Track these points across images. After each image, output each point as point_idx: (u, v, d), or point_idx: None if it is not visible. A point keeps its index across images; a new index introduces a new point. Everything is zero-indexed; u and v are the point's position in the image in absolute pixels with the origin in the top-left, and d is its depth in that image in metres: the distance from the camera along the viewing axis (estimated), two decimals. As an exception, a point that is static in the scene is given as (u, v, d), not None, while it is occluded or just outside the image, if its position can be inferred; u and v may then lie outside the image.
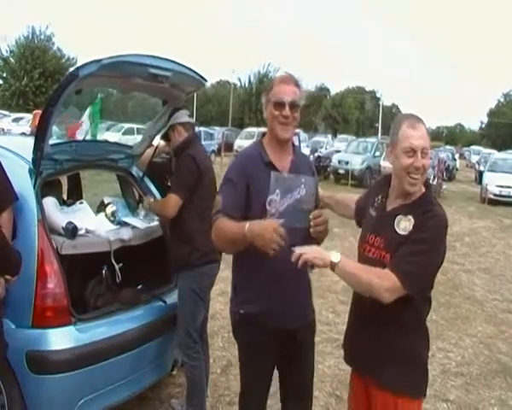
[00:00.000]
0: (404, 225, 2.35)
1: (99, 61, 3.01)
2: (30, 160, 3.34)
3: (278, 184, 2.55)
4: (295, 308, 2.77)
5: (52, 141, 3.55)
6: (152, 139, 4.30)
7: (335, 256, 2.30)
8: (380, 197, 2.55)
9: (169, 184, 4.40)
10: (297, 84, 2.73)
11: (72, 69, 3.18)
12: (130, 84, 3.59)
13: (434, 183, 20.42)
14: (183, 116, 3.93)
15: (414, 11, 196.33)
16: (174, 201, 3.71)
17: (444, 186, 21.79)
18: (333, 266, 2.30)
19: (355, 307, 2.62)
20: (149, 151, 4.44)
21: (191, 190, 3.73)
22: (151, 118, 3.97)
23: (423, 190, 2.43)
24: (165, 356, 3.95)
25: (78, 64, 3.30)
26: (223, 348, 5.40)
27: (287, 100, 2.65)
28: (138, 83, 3.54)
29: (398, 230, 2.36)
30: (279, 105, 2.66)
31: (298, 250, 2.32)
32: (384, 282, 2.25)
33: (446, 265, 9.69)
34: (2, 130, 29.89)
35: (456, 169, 32.69)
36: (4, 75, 47.50)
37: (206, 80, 3.83)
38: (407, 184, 2.36)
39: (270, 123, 2.74)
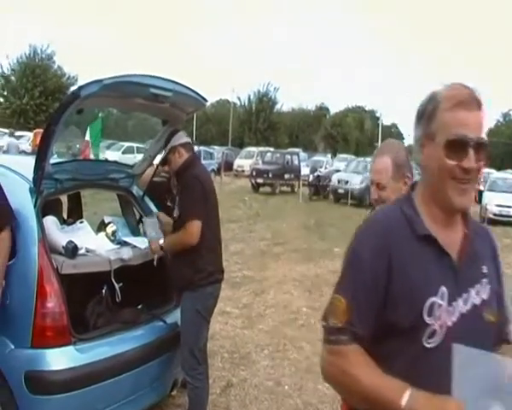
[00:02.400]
0: None
1: (101, 81, 3.03)
2: (31, 179, 3.34)
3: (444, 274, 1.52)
4: None
5: (53, 160, 3.56)
6: (153, 159, 4.32)
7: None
8: None
9: (169, 203, 4.40)
10: (481, 107, 1.53)
11: (73, 89, 3.20)
12: (131, 104, 3.62)
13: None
14: (182, 137, 3.89)
15: (413, 34, 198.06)
16: (197, 227, 3.62)
17: (443, 205, 21.74)
18: None
19: None
20: (150, 171, 4.45)
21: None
22: (151, 137, 4.00)
23: None
24: (165, 376, 3.91)
25: (79, 83, 3.33)
26: (222, 369, 5.35)
27: (472, 139, 1.48)
28: (139, 103, 3.57)
29: None
30: (457, 148, 1.49)
31: None
32: None
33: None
34: (1, 148, 29.95)
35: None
36: (5, 93, 47.74)
37: (206, 100, 3.85)
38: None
39: (434, 177, 1.55)
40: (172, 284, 3.94)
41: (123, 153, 24.51)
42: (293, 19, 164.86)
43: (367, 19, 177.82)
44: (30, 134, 30.91)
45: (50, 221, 3.65)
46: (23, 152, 24.86)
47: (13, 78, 47.58)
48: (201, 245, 3.66)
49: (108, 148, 23.84)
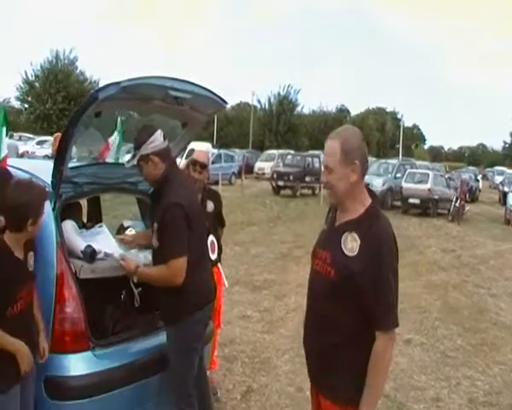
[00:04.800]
0: (351, 245, 2.35)
1: (118, 83, 3.00)
2: (49, 182, 3.32)
3: None
4: None
5: (72, 164, 3.54)
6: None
7: None
8: (332, 213, 2.61)
9: None
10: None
11: (91, 92, 3.17)
12: (149, 107, 3.56)
13: (457, 205, 20.16)
14: (157, 141, 3.28)
15: (434, 35, 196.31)
16: (182, 265, 3.20)
17: (467, 208, 21.49)
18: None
19: (310, 322, 2.62)
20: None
21: None
22: (170, 140, 3.92)
23: (369, 202, 2.45)
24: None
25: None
26: (243, 374, 5.30)
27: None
28: (158, 105, 3.51)
29: (344, 250, 2.37)
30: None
31: None
32: (387, 354, 2.34)
33: (471, 288, 9.56)
34: (27, 152, 30.45)
35: (479, 190, 32.27)
36: (29, 99, 48.45)
37: (226, 103, 3.78)
38: (328, 196, 2.55)
39: None
40: (160, 316, 3.63)
41: (144, 156, 24.66)
42: (312, 20, 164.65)
43: (388, 20, 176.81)
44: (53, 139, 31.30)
45: (69, 225, 3.62)
46: (46, 157, 25.12)
47: (37, 84, 48.26)
48: (186, 278, 3.25)
49: (129, 152, 23.98)
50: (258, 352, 5.88)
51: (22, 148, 31.06)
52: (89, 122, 3.38)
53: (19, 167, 3.53)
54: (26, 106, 49.17)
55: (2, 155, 3.60)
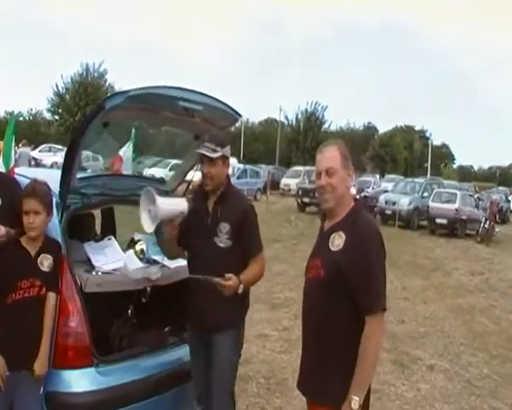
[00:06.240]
0: (337, 242, 2.47)
1: (125, 92, 2.93)
2: (57, 193, 3.24)
3: None
4: None
5: (81, 175, 3.47)
6: (185, 175, 4.19)
7: (355, 404, 2.36)
8: (321, 223, 2.72)
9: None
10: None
11: (98, 101, 3.10)
12: (159, 118, 3.48)
13: (486, 226, 19.71)
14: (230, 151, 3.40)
15: (464, 53, 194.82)
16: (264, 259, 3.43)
17: (497, 229, 21.00)
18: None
19: (305, 328, 2.66)
20: (182, 188, 4.33)
21: None
22: (184, 153, 3.83)
23: (352, 204, 2.57)
24: (192, 404, 3.72)
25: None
26: (257, 395, 5.16)
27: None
28: (168, 116, 3.43)
29: (331, 247, 2.48)
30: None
31: None
32: (374, 337, 2.38)
33: (499, 314, 9.23)
34: (56, 164, 30.98)
35: (510, 211, 31.63)
36: (60, 111, 49.46)
37: (240, 115, 3.65)
38: (321, 202, 2.61)
39: None
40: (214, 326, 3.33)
41: (170, 170, 24.76)
42: (339, 37, 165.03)
43: (417, 37, 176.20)
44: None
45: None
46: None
47: (67, 96, 49.29)
48: None
49: (155, 165, 24.11)
50: (275, 372, 5.73)
51: (52, 159, 31.72)
52: (98, 132, 3.32)
53: (26, 175, 3.48)
54: (57, 117, 50.26)
55: (11, 164, 3.59)
